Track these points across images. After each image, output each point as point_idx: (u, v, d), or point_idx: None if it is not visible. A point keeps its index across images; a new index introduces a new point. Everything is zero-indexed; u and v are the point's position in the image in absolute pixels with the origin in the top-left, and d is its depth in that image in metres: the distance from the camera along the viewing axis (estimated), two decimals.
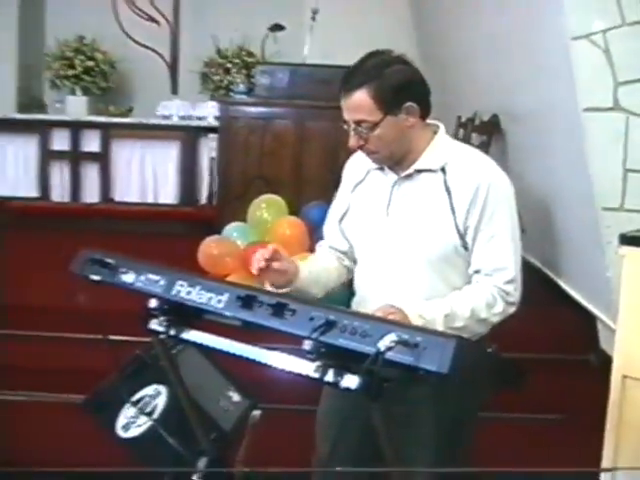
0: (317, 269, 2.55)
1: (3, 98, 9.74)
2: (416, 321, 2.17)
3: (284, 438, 3.23)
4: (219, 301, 1.82)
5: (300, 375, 1.71)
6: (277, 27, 7.73)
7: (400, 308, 2.17)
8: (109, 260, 2.03)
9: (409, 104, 2.33)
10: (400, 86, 2.32)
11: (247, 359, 1.84)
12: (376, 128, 2.32)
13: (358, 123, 2.33)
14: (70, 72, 10.07)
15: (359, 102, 2.30)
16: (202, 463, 2.12)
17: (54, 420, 4.15)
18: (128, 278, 2.00)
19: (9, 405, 4.34)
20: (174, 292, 1.90)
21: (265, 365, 1.81)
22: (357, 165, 2.59)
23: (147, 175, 7.52)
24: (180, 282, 1.90)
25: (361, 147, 2.38)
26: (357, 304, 2.57)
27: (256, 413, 2.29)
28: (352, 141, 2.38)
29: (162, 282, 1.92)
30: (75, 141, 7.55)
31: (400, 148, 2.39)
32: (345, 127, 2.38)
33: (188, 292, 1.88)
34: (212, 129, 7.45)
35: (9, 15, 10.11)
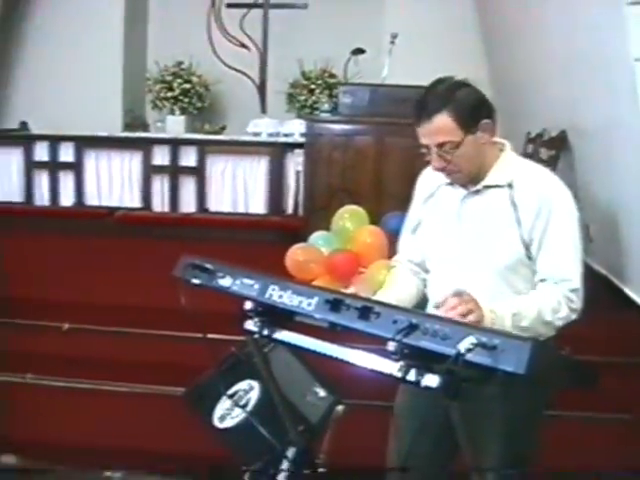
0: (402, 296, 2.56)
1: (110, 118, 9.98)
2: (487, 314, 2.15)
3: (362, 431, 3.22)
4: (309, 304, 1.83)
5: (383, 374, 1.70)
6: (359, 51, 7.75)
7: (474, 298, 2.15)
8: (208, 265, 2.06)
9: (485, 121, 2.33)
10: (475, 105, 2.32)
11: (334, 358, 1.84)
12: (459, 148, 2.31)
13: (441, 146, 2.32)
14: (169, 94, 10.28)
15: (441, 125, 2.29)
16: (291, 453, 2.13)
17: (157, 410, 4.21)
18: (225, 282, 2.02)
19: (115, 395, 4.44)
20: (267, 295, 1.91)
21: (350, 364, 1.81)
22: (428, 180, 2.59)
23: (239, 187, 7.59)
24: (273, 286, 1.91)
25: (444, 169, 2.38)
26: (430, 311, 2.55)
27: (339, 408, 2.29)
28: (435, 164, 2.37)
29: (256, 286, 1.94)
30: (174, 156, 7.66)
31: (477, 165, 2.39)
32: (424, 151, 2.37)
33: (280, 295, 1.89)
34: (298, 145, 7.49)
35: (115, 44, 10.36)
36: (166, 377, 4.41)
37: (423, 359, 1.63)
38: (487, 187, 2.41)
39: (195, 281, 2.06)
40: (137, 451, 3.92)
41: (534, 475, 2.53)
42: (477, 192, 2.43)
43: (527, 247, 2.35)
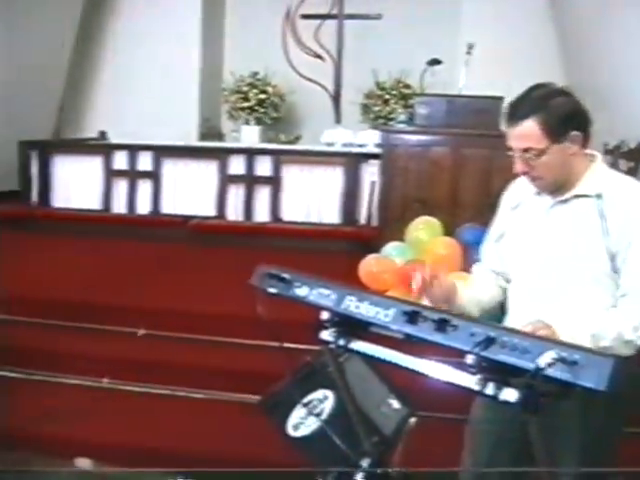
0: (475, 290, 2.57)
1: (187, 128, 10.15)
2: (564, 339, 2.11)
3: (434, 444, 3.19)
4: (386, 315, 1.83)
5: (460, 387, 1.69)
6: (435, 61, 7.71)
7: (549, 325, 2.12)
8: (285, 275, 2.07)
9: (573, 133, 2.31)
10: (565, 116, 2.30)
11: (410, 369, 1.83)
12: (542, 155, 2.30)
13: (525, 150, 2.31)
14: (245, 104, 10.40)
15: (527, 131, 2.29)
16: (365, 463, 2.12)
17: (231, 417, 4.26)
18: (302, 292, 2.03)
19: (189, 401, 4.49)
20: (344, 306, 1.92)
21: (426, 375, 1.80)
22: (515, 190, 2.59)
23: (312, 197, 7.62)
24: (349, 297, 1.91)
25: (526, 173, 2.37)
26: (509, 322, 2.53)
27: (412, 420, 2.29)
28: (518, 167, 2.37)
29: (333, 296, 1.94)
30: (249, 166, 7.72)
31: (562, 174, 2.36)
32: (510, 154, 2.37)
33: (357, 306, 1.89)
34: (372, 155, 7.48)
35: (192, 54, 10.52)
36: (240, 384, 4.45)
37: (501, 373, 1.61)
38: (575, 197, 2.39)
39: (272, 290, 2.08)
40: (210, 457, 3.95)
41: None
42: (564, 202, 2.41)
43: (613, 259, 2.32)
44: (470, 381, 1.65)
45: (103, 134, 9.62)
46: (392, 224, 6.34)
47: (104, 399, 4.52)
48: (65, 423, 4.16)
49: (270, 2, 10.49)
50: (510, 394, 1.58)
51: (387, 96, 10.15)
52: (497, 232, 2.63)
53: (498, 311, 2.71)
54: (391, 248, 5.52)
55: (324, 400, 2.31)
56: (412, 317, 1.78)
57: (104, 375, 4.67)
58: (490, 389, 1.62)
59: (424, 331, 1.75)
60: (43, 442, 4.06)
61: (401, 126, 7.04)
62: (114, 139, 9.30)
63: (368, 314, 1.86)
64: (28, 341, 4.98)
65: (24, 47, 9.73)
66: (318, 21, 10.33)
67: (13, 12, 9.37)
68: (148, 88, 10.45)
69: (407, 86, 10.04)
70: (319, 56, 10.37)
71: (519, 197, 2.56)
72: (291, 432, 2.32)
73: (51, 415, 4.21)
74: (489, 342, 1.61)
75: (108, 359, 4.80)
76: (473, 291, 2.55)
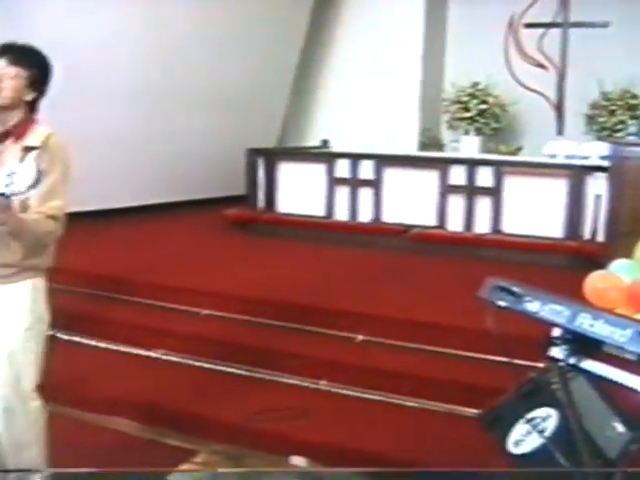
0: None
1: (407, 138, 10.23)
2: None
3: None
4: (622, 335, 1.77)
5: None
6: None
7: None
8: (515, 288, 2.05)
9: None
10: None
11: None
12: None
13: None
14: (465, 115, 10.34)
15: None
16: None
17: (443, 428, 4.24)
18: (532, 307, 2.00)
19: (403, 409, 4.51)
20: (577, 323, 1.87)
21: None
22: None
23: (534, 209, 7.43)
24: (583, 314, 1.87)
25: None
26: None
27: (635, 446, 2.19)
28: None
29: (566, 313, 1.90)
30: (470, 176, 7.65)
31: None
32: None
33: (591, 324, 1.85)
34: (597, 168, 7.20)
35: (413, 65, 10.62)
36: (456, 396, 4.43)
37: None
38: None
39: (501, 303, 2.07)
40: (418, 465, 3.95)
41: None
42: None
43: None
44: None
45: (325, 142, 9.87)
46: (620, 239, 6.05)
47: (320, 401, 4.63)
48: (282, 421, 4.29)
49: (493, 12, 10.37)
50: None
51: (613, 107, 9.75)
52: None
53: None
54: (618, 265, 5.27)
55: (547, 418, 2.26)
56: None
57: (321, 377, 4.79)
58: None
59: None
60: (259, 438, 4.20)
61: (632, 138, 6.73)
62: (335, 147, 9.52)
63: (602, 333, 1.81)
64: (253, 340, 5.21)
65: (253, 63, 10.21)
66: (541, 30, 10.10)
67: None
68: (370, 98, 10.64)
69: (634, 96, 9.61)
70: (542, 65, 10.13)
71: None
72: (511, 449, 2.29)
73: (268, 412, 4.36)
74: None
75: (326, 362, 4.91)
76: None
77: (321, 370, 4.83)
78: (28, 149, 3.00)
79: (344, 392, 4.70)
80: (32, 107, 3.15)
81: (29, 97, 3.10)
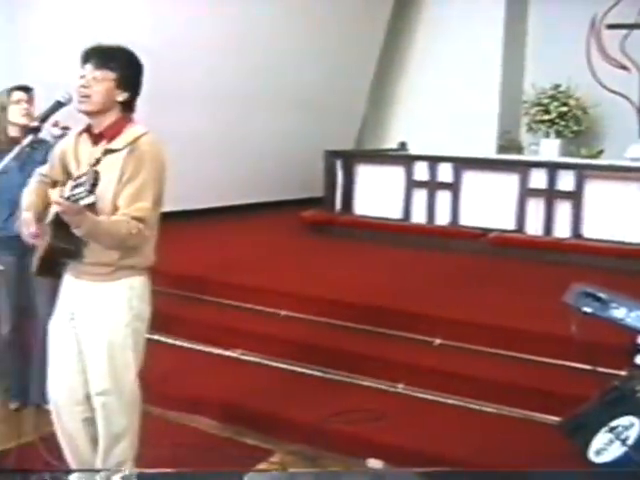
0: None
1: (486, 140, 10.12)
2: None
3: None
4: None
5: None
6: None
7: None
8: (601, 294, 2.00)
9: None
10: None
11: None
12: None
13: None
14: (545, 117, 10.18)
15: None
16: None
17: (522, 435, 4.17)
18: (619, 313, 1.96)
19: (481, 415, 4.45)
20: None
21: None
22: None
23: (616, 214, 7.25)
24: None
25: None
26: None
27: None
28: None
29: None
30: (551, 180, 7.50)
31: None
32: None
33: None
34: None
35: (493, 67, 10.50)
36: (534, 402, 4.36)
37: None
38: None
39: (587, 309, 2.02)
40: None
41: None
42: None
43: None
44: None
45: (403, 145, 9.83)
46: None
47: (397, 403, 4.60)
48: (358, 423, 4.27)
49: (574, 12, 10.19)
50: None
51: None
52: None
53: None
54: None
55: (630, 427, 2.20)
56: None
57: (399, 380, 4.75)
58: None
59: None
60: (335, 439, 4.19)
61: None
62: (413, 150, 9.47)
63: None
64: (331, 341, 5.21)
65: (332, 65, 10.24)
66: (624, 31, 9.88)
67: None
68: (448, 100, 10.55)
69: None
70: (624, 67, 9.92)
71: None
72: (593, 457, 2.24)
73: (345, 414, 4.34)
74: None
75: (403, 365, 4.88)
76: None
77: (398, 373, 4.80)
78: (108, 152, 3.04)
79: (421, 395, 4.67)
80: (127, 107, 3.15)
81: (121, 98, 3.10)
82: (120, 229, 2.95)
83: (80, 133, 3.19)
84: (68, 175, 3.13)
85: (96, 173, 2.57)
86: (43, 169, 3.25)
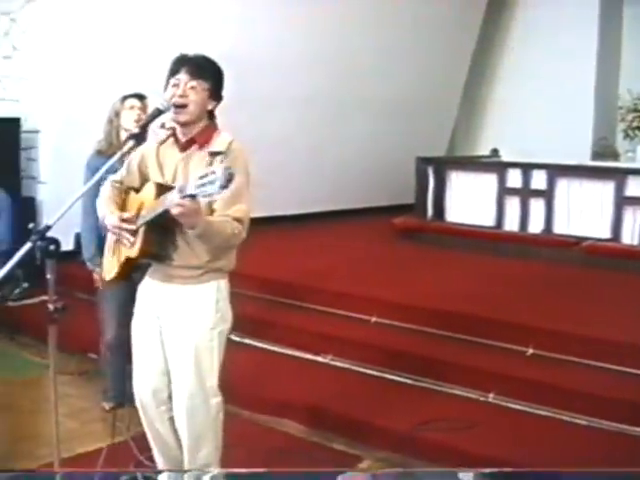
0: None
1: (580, 147, 9.87)
2: None
3: None
4: None
5: None
6: None
7: None
8: None
9: None
10: None
11: None
12: None
13: None
14: None
15: None
16: None
17: (613, 448, 4.05)
18: None
19: (571, 426, 4.32)
20: None
21: None
22: None
23: None
24: None
25: None
26: None
27: None
28: None
29: None
30: None
31: None
32: None
33: None
34: None
35: (587, 72, 10.27)
36: (627, 415, 4.23)
37: None
38: None
39: None
40: None
41: None
42: None
43: None
44: None
45: (495, 151, 9.68)
46: None
47: (488, 413, 4.52)
48: (447, 432, 4.21)
49: None
50: None
51: None
52: None
53: None
54: None
55: None
56: None
57: (490, 390, 4.66)
58: None
59: None
60: (424, 447, 4.14)
61: None
62: (505, 157, 9.31)
63: None
64: (421, 349, 5.15)
65: (424, 70, 10.18)
66: None
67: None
68: (541, 106, 10.35)
69: None
70: None
71: None
72: None
73: (435, 423, 4.29)
74: None
75: (494, 374, 4.79)
76: None
77: (489, 382, 4.71)
78: (215, 154, 3.08)
79: (512, 405, 4.57)
80: (212, 114, 3.21)
81: (210, 107, 3.17)
82: (226, 229, 3.00)
83: (162, 141, 3.24)
84: (144, 181, 3.19)
85: (229, 170, 2.56)
86: (116, 176, 3.28)
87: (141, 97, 4.57)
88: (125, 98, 4.55)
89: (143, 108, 4.50)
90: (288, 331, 5.61)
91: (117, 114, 4.53)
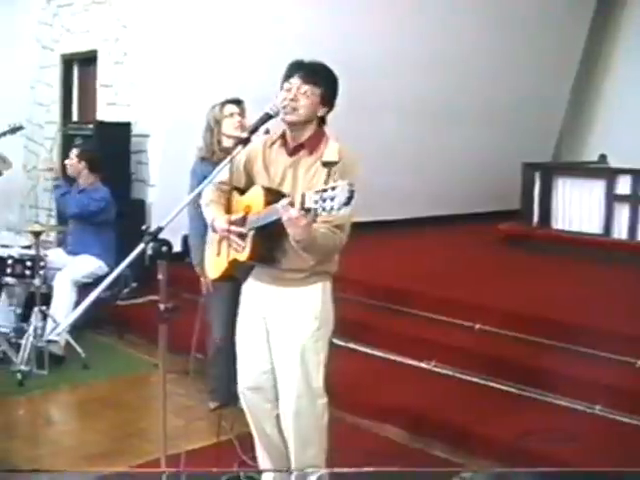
0: None
1: None
2: None
3: None
4: None
5: None
6: None
7: None
8: None
9: None
10: None
11: None
12: None
13: None
14: None
15: None
16: None
17: None
18: None
19: None
20: None
21: None
22: None
23: None
24: None
25: None
26: None
27: None
28: None
29: None
30: None
31: None
32: None
33: None
34: None
35: None
36: None
37: None
38: None
39: None
40: None
41: None
42: None
43: None
44: None
45: (603, 157, 9.42)
46: None
47: (593, 425, 4.37)
48: (552, 443, 4.10)
49: None
50: None
51: None
52: None
53: None
54: None
55: None
56: None
57: (597, 401, 4.51)
58: None
59: None
60: (528, 458, 4.03)
61: None
62: (614, 163, 9.05)
63: None
64: (526, 357, 5.04)
65: (533, 71, 9.99)
66: None
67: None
68: None
69: None
70: None
71: None
72: None
73: (539, 433, 4.17)
74: None
75: (602, 385, 4.63)
76: None
77: (596, 393, 4.56)
78: (329, 164, 3.02)
79: (620, 418, 4.41)
80: (322, 120, 3.21)
81: (321, 112, 3.16)
82: (329, 243, 3.00)
83: (270, 144, 3.25)
84: (249, 182, 3.22)
85: (352, 187, 2.50)
86: (221, 177, 3.25)
87: (238, 102, 4.61)
88: (223, 105, 4.59)
89: (241, 113, 4.56)
90: (391, 336, 5.57)
91: (217, 122, 4.56)
